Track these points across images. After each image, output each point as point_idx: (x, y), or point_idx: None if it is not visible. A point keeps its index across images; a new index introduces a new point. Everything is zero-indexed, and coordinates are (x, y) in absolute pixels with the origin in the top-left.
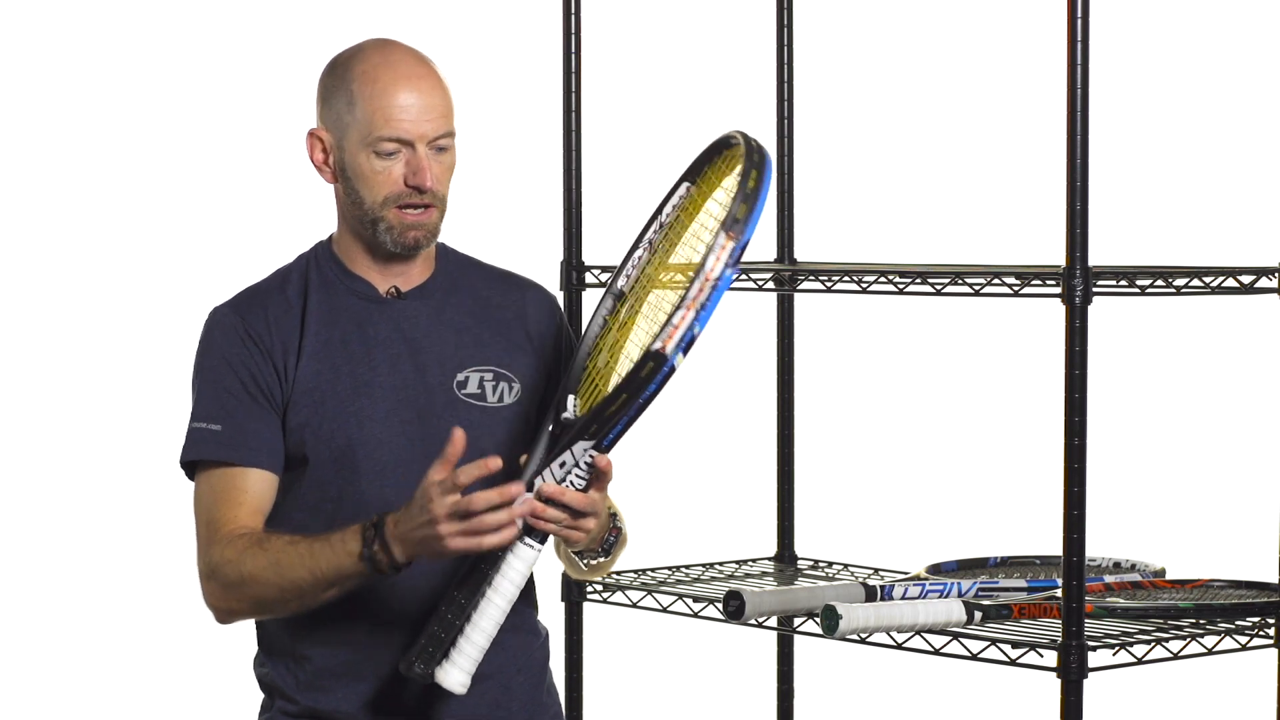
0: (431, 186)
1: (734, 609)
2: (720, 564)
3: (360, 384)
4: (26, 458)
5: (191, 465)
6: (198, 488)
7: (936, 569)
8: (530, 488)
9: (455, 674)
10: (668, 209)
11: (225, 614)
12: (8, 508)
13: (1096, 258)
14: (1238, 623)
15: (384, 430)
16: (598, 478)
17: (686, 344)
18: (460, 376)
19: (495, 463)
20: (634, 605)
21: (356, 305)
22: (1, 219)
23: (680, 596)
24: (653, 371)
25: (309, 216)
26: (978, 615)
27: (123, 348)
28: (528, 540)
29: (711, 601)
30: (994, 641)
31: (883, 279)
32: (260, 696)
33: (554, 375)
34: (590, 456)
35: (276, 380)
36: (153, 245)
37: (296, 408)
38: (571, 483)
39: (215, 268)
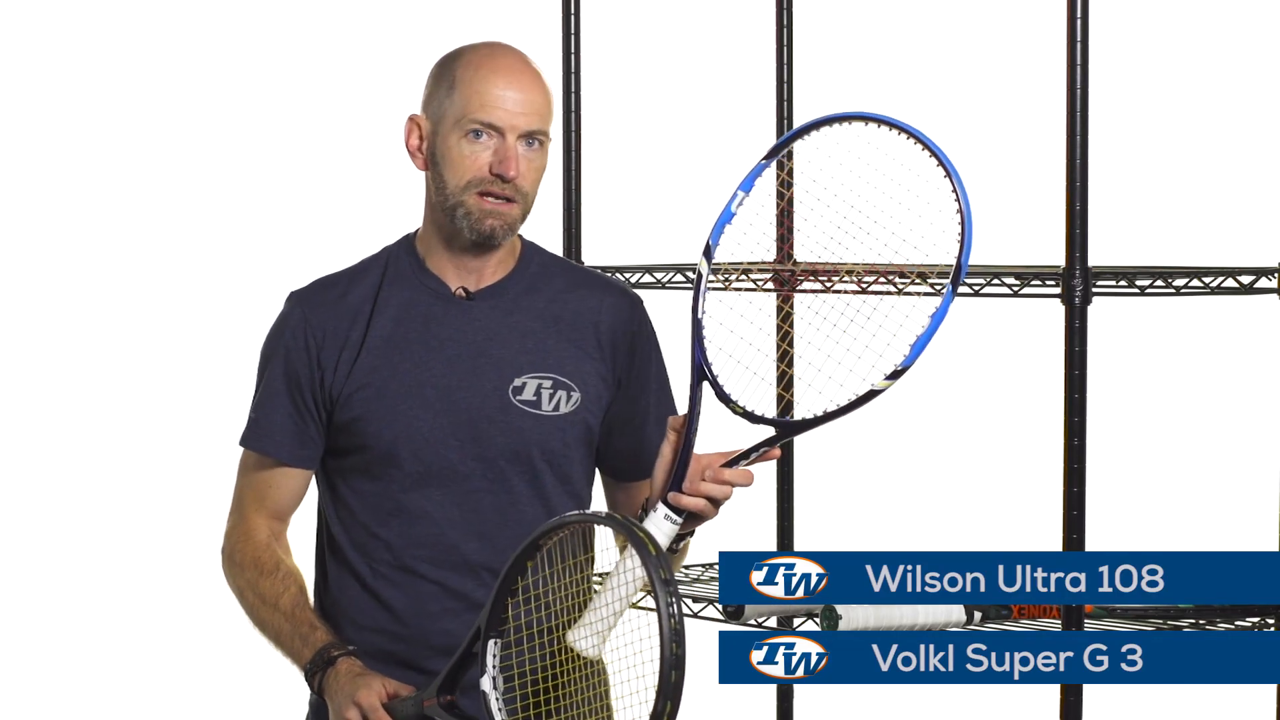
0: (515, 178)
1: (734, 609)
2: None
3: (414, 384)
4: (43, 456)
5: None
6: (239, 464)
7: None
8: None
9: (589, 638)
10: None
11: (227, 584)
12: (20, 506)
13: (1096, 258)
14: (1237, 623)
15: (431, 431)
16: (763, 460)
17: None
18: (518, 382)
19: None
20: (634, 605)
21: (426, 302)
22: (68, 215)
23: (680, 597)
24: None
25: (397, 213)
26: (977, 615)
27: (224, 334)
28: (673, 516)
29: (711, 602)
30: None
31: (882, 279)
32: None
33: (626, 382)
34: (763, 450)
35: (320, 382)
36: (244, 237)
37: (350, 402)
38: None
39: (303, 259)
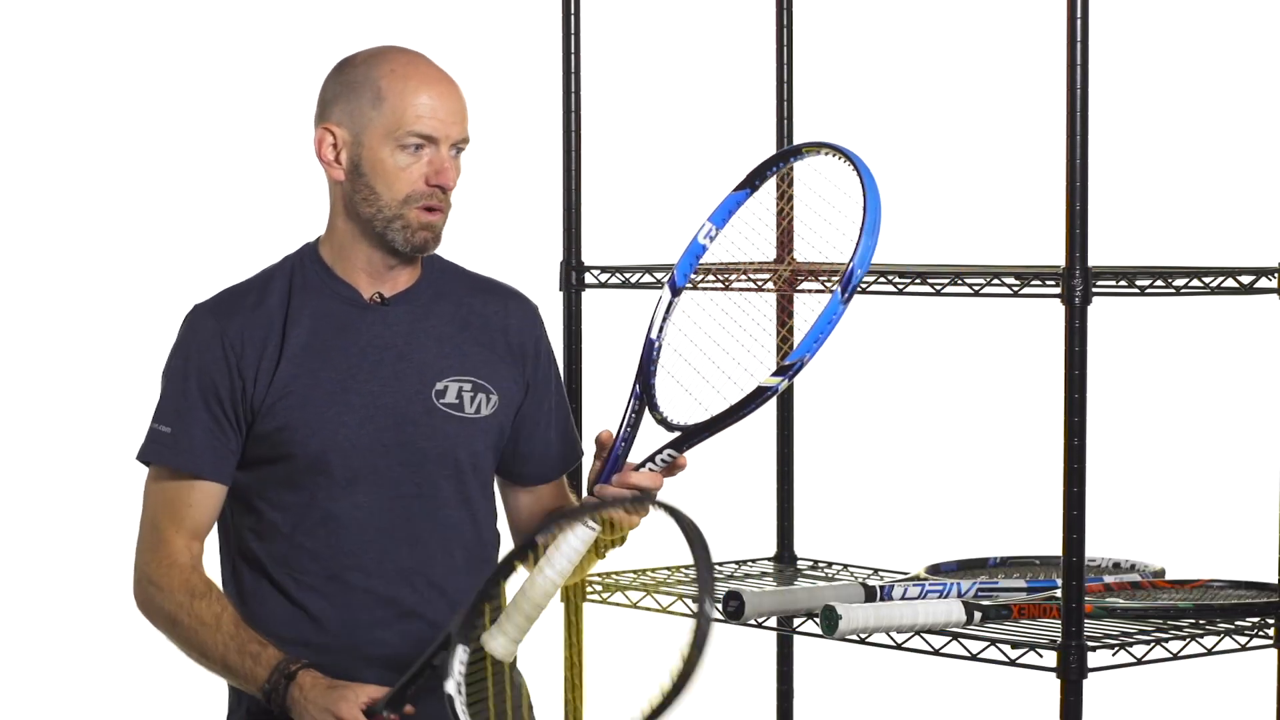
0: (452, 188)
1: (734, 609)
2: (720, 564)
3: (338, 390)
4: (15, 457)
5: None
6: (147, 483)
7: (936, 569)
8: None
9: (501, 641)
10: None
11: (142, 613)
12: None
13: (1096, 258)
14: (1237, 623)
15: (358, 437)
16: (675, 472)
17: None
18: (439, 385)
19: None
20: (634, 605)
21: (340, 310)
22: None
23: (680, 596)
24: None
25: (297, 216)
26: (977, 615)
27: (109, 344)
28: (589, 522)
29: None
30: (994, 641)
31: (882, 279)
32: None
33: (533, 386)
34: (670, 455)
35: (241, 391)
36: (141, 242)
37: (272, 413)
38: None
39: (202, 264)
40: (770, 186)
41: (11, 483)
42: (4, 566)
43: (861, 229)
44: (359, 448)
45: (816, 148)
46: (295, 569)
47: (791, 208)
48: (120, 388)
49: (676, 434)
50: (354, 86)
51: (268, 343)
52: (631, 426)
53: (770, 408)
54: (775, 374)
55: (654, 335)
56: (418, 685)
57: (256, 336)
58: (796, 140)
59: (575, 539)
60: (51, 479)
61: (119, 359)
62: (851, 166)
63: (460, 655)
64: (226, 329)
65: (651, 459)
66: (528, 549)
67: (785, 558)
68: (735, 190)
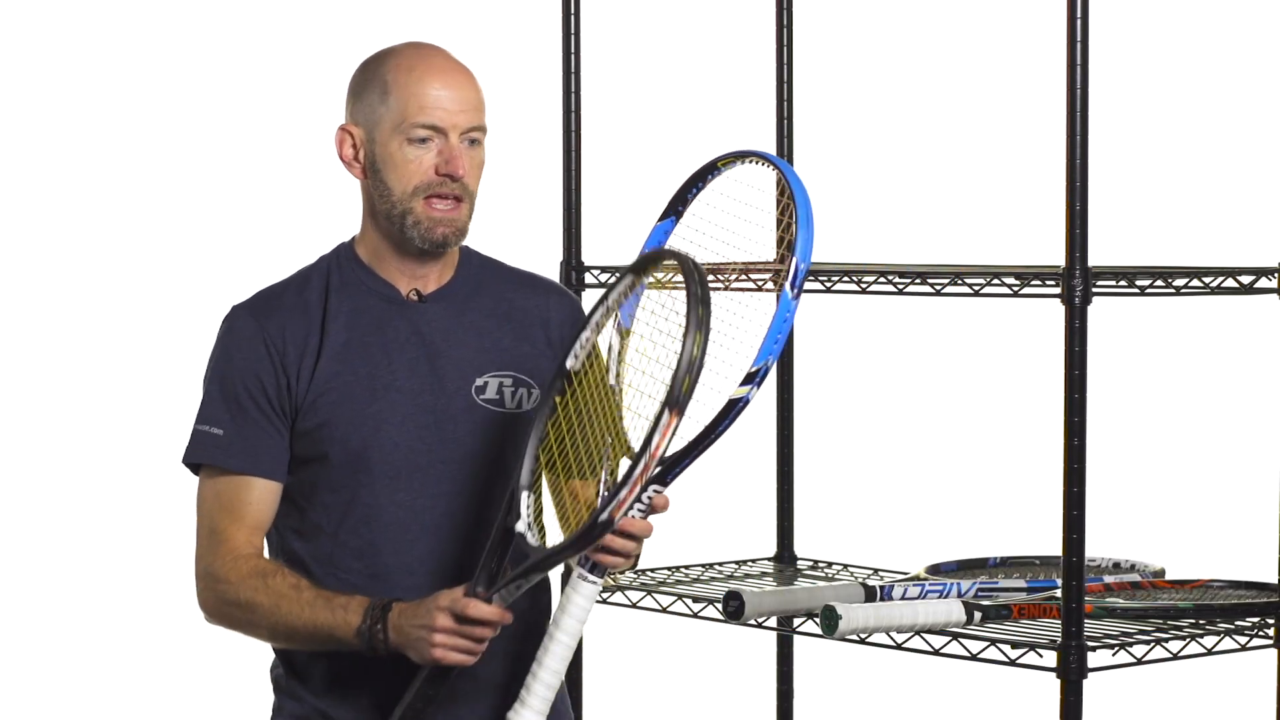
0: (462, 176)
1: (734, 609)
2: (720, 564)
3: (378, 387)
4: (37, 458)
5: (195, 465)
6: (201, 489)
7: (936, 569)
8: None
9: (528, 715)
10: (612, 296)
11: (213, 619)
12: (14, 508)
13: (1096, 258)
14: (1237, 623)
15: (399, 434)
16: (655, 512)
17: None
18: (479, 381)
19: (508, 617)
20: (634, 605)
21: (378, 307)
22: (14, 219)
23: (680, 597)
24: (599, 533)
25: (329, 218)
26: (977, 615)
27: (136, 346)
28: (589, 576)
29: (711, 602)
30: (994, 642)
31: (882, 279)
32: (272, 697)
33: None
34: (655, 491)
35: (286, 388)
36: (171, 244)
37: (314, 410)
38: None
39: (233, 266)
40: (771, 198)
41: (43, 488)
42: (43, 574)
43: (795, 223)
44: (400, 445)
45: (733, 159)
46: (339, 568)
47: (791, 217)
48: (154, 392)
49: (656, 469)
50: (366, 84)
51: (308, 340)
52: (613, 475)
53: (770, 408)
54: (743, 383)
55: (612, 381)
56: (500, 554)
57: (297, 334)
58: (795, 138)
59: (580, 598)
60: (84, 484)
61: (153, 363)
62: (774, 169)
63: (525, 500)
64: (266, 327)
65: (638, 499)
66: (560, 379)
67: (785, 558)
68: (660, 220)
